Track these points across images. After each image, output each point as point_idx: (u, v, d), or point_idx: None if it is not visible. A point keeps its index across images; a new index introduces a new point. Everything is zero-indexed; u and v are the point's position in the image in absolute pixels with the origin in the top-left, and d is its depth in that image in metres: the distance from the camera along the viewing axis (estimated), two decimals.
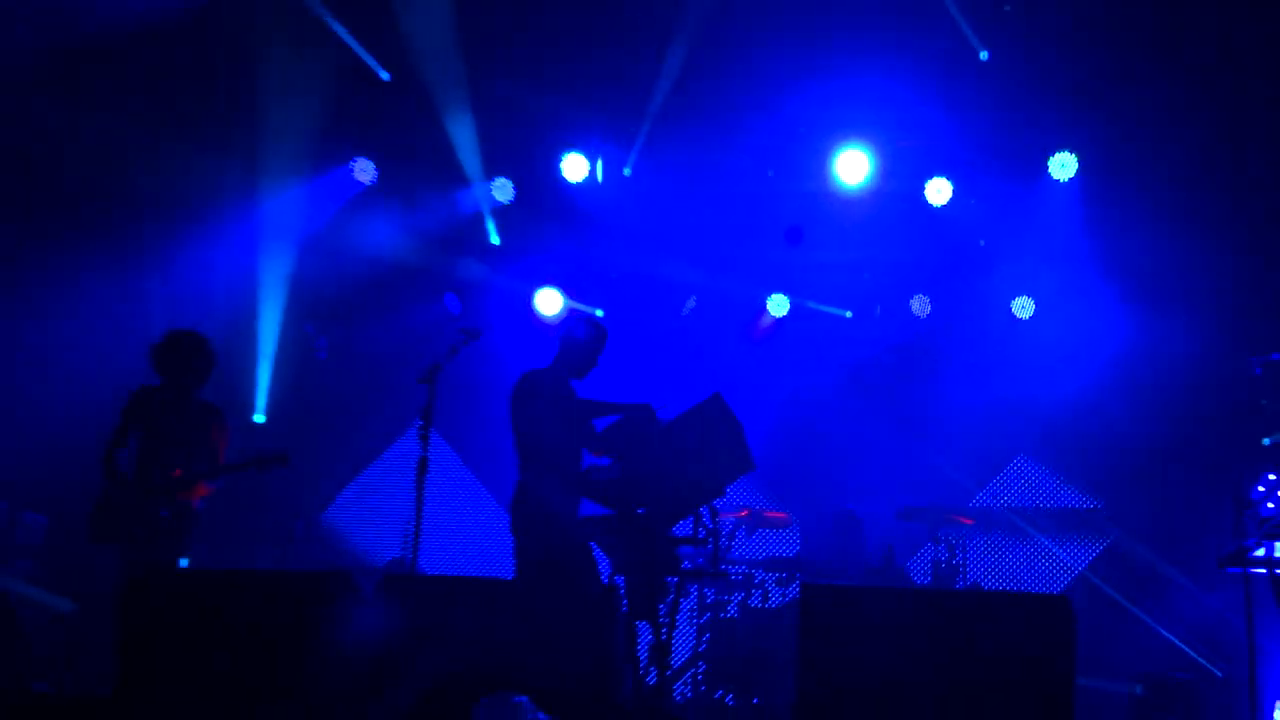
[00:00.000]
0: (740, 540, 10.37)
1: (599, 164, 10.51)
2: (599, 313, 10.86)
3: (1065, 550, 10.44)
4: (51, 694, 5.00)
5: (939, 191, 10.17)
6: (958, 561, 9.19)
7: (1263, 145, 9.16)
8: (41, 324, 9.29)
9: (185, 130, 9.64)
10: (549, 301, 10.83)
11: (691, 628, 9.12)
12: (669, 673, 6.82)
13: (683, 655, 9.08)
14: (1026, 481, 10.76)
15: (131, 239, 9.89)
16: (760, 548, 10.47)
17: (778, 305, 10.83)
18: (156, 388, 7.41)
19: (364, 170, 10.47)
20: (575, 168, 10.37)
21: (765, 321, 10.87)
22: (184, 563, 7.15)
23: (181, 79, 9.52)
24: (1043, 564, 10.54)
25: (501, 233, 10.80)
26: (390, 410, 10.57)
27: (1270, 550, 5.80)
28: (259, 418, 10.45)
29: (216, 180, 10.09)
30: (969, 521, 9.44)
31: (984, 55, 9.21)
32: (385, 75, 9.84)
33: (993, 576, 10.46)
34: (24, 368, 9.16)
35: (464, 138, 10.18)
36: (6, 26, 8.46)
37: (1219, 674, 8.98)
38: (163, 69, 9.41)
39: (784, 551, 10.01)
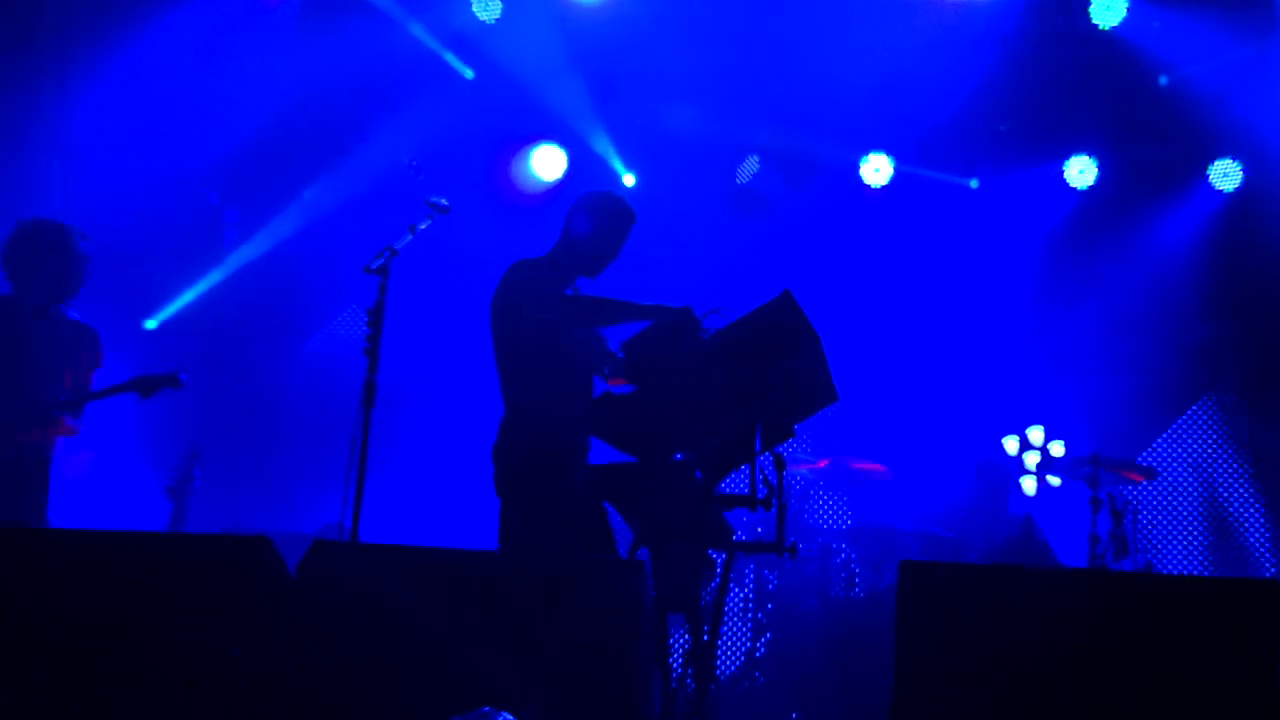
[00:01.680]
0: (817, 500, 10.42)
1: None
2: (630, 180, 10.79)
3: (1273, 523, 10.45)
4: None
5: (1108, 10, 10.08)
6: (1126, 533, 9.21)
7: None
8: None
9: None
10: (549, 163, 10.79)
11: (746, 623, 9.19)
12: (714, 685, 6.86)
13: (734, 660, 9.15)
14: (1226, 427, 10.76)
15: None
16: (846, 512, 10.50)
17: (876, 171, 10.76)
18: (8, 297, 7.55)
19: None
20: None
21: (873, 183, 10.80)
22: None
23: None
24: (1243, 538, 10.55)
25: (477, 66, 10.72)
26: (326, 308, 10.64)
27: None
28: (150, 324, 10.53)
29: None
30: (1142, 479, 9.44)
31: None
32: None
33: (1173, 554, 10.49)
34: None
35: None
36: None
37: None
38: None
39: (879, 517, 10.02)
